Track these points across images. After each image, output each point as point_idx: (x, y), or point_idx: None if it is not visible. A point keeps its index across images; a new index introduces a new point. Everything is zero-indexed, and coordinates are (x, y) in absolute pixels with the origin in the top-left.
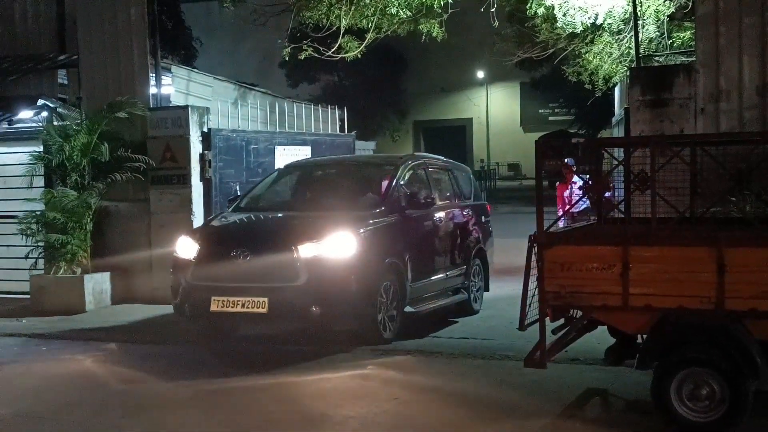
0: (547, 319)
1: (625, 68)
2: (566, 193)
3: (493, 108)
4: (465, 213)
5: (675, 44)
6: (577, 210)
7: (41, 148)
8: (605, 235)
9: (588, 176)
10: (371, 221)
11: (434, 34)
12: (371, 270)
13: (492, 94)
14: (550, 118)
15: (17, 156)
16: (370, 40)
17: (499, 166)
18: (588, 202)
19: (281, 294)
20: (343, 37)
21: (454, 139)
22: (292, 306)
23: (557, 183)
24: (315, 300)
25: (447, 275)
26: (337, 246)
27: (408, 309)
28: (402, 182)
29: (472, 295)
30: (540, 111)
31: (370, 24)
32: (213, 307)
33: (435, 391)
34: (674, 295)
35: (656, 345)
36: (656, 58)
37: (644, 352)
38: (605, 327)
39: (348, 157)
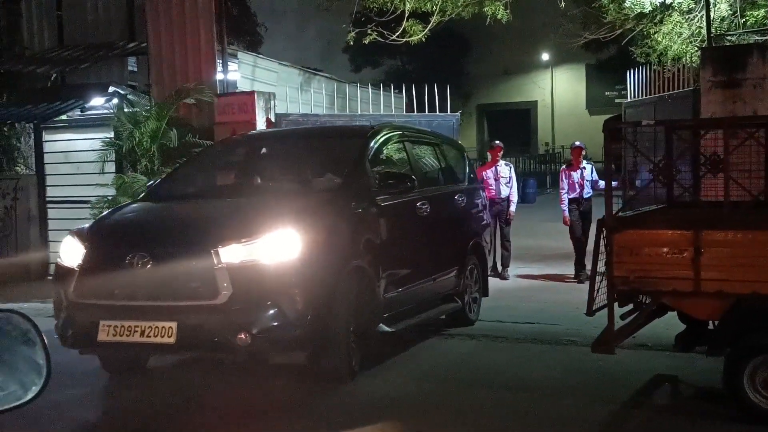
0: (616, 304)
1: (696, 48)
2: (577, 178)
3: (558, 90)
4: (457, 200)
5: (748, 23)
6: (586, 195)
7: (112, 135)
8: (676, 219)
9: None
10: (327, 211)
11: (499, 16)
12: (325, 278)
13: (557, 77)
14: (617, 100)
15: (89, 142)
16: (435, 24)
17: (564, 149)
18: (592, 189)
19: (195, 316)
20: (407, 20)
21: (518, 122)
22: (210, 333)
23: (563, 167)
24: (243, 324)
25: (434, 280)
26: (275, 247)
27: (382, 328)
28: (372, 159)
29: (467, 302)
30: (606, 93)
31: (434, 7)
32: (101, 336)
33: (500, 374)
34: (748, 280)
35: (729, 331)
36: (728, 38)
37: (716, 339)
38: (674, 312)
39: (307, 128)
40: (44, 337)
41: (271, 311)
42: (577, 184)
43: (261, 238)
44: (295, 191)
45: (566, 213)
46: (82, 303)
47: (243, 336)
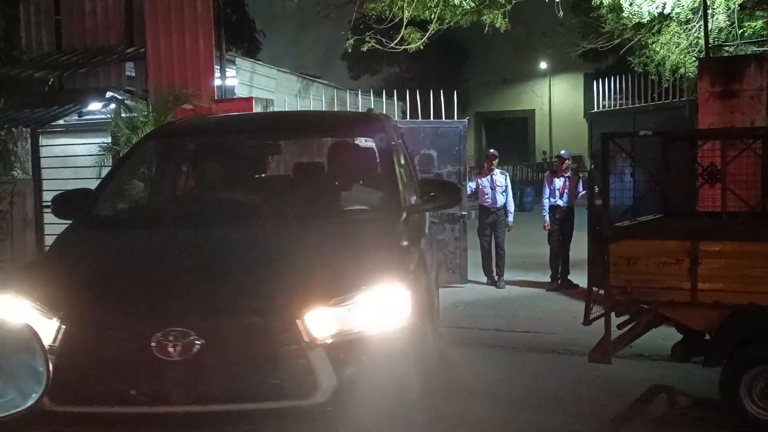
0: (612, 314)
1: (694, 59)
2: (558, 185)
3: (556, 99)
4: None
5: (746, 34)
6: (564, 204)
7: (109, 140)
8: (673, 229)
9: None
10: (411, 246)
11: (497, 25)
12: (434, 350)
13: (555, 85)
14: (617, 108)
15: (86, 147)
16: (433, 32)
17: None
18: (569, 197)
19: (279, 428)
20: (405, 28)
21: (516, 130)
22: None
23: (547, 173)
24: None
25: None
26: (379, 310)
27: None
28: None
29: None
30: (602, 102)
31: (432, 15)
32: None
33: (497, 383)
34: (745, 291)
35: (726, 342)
36: (726, 49)
37: (713, 350)
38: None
39: (292, 115)
40: (44, 345)
41: (399, 409)
42: (557, 191)
43: (358, 297)
44: (346, 213)
45: (546, 218)
46: (64, 413)
47: None
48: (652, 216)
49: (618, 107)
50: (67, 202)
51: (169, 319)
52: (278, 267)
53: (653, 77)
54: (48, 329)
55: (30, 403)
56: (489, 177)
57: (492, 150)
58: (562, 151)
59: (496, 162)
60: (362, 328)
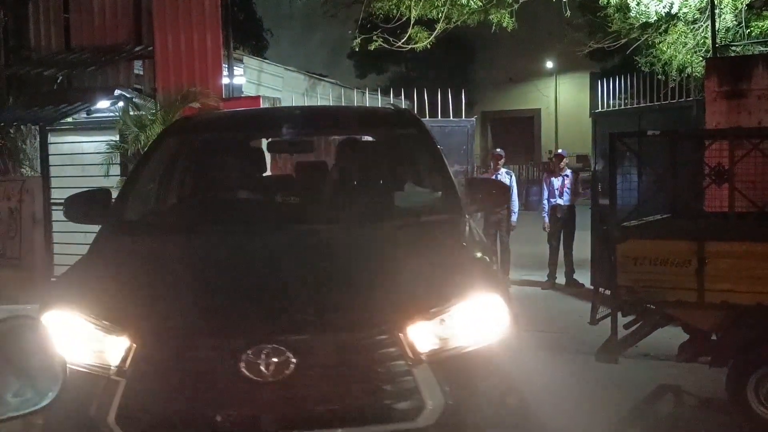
0: (619, 313)
1: (701, 59)
2: (557, 185)
3: (562, 99)
4: None
5: (753, 33)
6: (565, 203)
7: (117, 138)
8: (681, 229)
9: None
10: (489, 253)
11: (504, 24)
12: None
13: (561, 85)
14: (622, 108)
15: (95, 145)
16: (440, 31)
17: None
18: (570, 196)
19: None
20: (412, 27)
21: (522, 129)
22: None
23: (544, 174)
24: None
25: None
26: (478, 321)
27: None
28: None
29: None
30: (611, 101)
31: (440, 14)
32: None
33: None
34: (753, 291)
35: (733, 343)
36: (733, 48)
37: (720, 350)
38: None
39: (321, 109)
40: (59, 344)
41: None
42: (557, 191)
43: (456, 309)
44: (410, 216)
45: (546, 219)
46: None
47: None
48: (659, 216)
49: (624, 107)
50: (85, 204)
51: (261, 334)
52: (366, 276)
53: (660, 77)
54: (115, 349)
55: (46, 402)
56: (494, 176)
57: (498, 150)
58: (560, 150)
59: (502, 162)
60: (464, 341)
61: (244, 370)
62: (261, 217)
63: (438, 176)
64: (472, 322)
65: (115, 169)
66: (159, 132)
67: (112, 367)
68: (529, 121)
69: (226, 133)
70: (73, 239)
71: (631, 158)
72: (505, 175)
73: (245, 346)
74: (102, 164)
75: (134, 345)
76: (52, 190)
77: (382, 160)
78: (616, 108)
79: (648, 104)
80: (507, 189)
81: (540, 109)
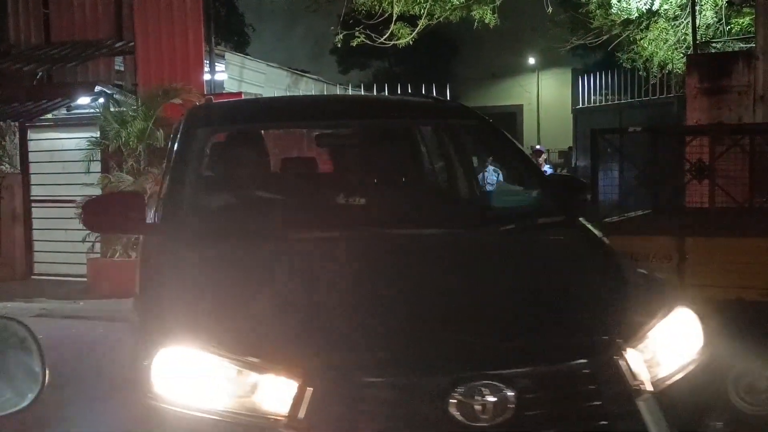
0: None
1: (681, 55)
2: None
3: (544, 94)
4: None
5: (733, 30)
6: None
7: (98, 134)
8: (662, 225)
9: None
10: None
11: (487, 20)
12: None
13: (543, 81)
14: (603, 104)
15: (75, 141)
16: (422, 27)
17: (549, 153)
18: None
19: None
20: (395, 23)
21: (504, 125)
22: None
23: None
24: None
25: None
26: (681, 340)
27: None
28: None
29: None
30: (592, 98)
31: (422, 10)
32: None
33: None
34: (733, 287)
35: (712, 337)
36: (714, 45)
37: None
38: None
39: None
40: (40, 344)
41: None
42: None
43: (660, 326)
44: (524, 219)
45: None
46: None
47: None
48: (640, 212)
49: (605, 103)
50: (116, 211)
51: (472, 368)
52: (546, 293)
53: (641, 73)
54: (277, 393)
55: (26, 403)
56: (481, 174)
57: (539, 146)
58: (538, 146)
59: (490, 159)
60: (675, 362)
61: (454, 413)
62: (348, 220)
63: (526, 171)
64: (677, 339)
65: (96, 166)
66: (183, 120)
67: (277, 416)
68: (512, 116)
69: (269, 124)
70: (54, 237)
71: (613, 154)
72: (492, 173)
73: (454, 383)
74: (83, 161)
75: (309, 388)
76: (32, 187)
77: (453, 154)
78: (598, 104)
79: (629, 100)
80: (586, 187)
81: (522, 105)
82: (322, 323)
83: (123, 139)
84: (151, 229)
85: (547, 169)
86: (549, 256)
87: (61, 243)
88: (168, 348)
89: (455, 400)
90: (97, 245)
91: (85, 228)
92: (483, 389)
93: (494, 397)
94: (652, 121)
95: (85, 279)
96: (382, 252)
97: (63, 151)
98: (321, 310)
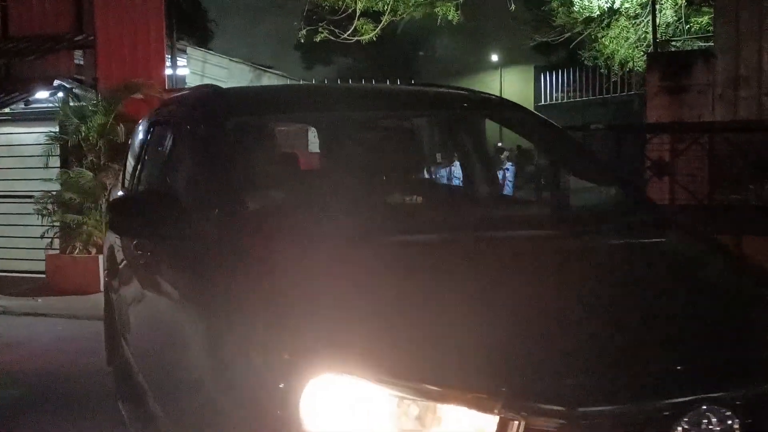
0: None
1: (642, 53)
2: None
3: (507, 92)
4: None
5: (693, 29)
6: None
7: (57, 129)
8: None
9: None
10: None
11: (450, 17)
12: None
13: (506, 78)
14: (565, 101)
15: (33, 136)
16: (386, 23)
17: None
18: (512, 189)
19: None
20: (358, 19)
21: None
22: None
23: None
24: None
25: None
26: None
27: None
28: None
29: None
30: (554, 95)
31: (385, 6)
32: None
33: None
34: None
35: None
36: (673, 43)
37: None
38: None
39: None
40: None
41: None
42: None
43: None
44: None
45: None
46: None
47: None
48: None
49: (568, 100)
50: (156, 214)
51: (698, 391)
52: (708, 301)
53: (603, 71)
54: (471, 430)
55: None
56: (448, 169)
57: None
58: (499, 143)
59: (505, 155)
60: None
61: None
62: (443, 222)
63: (595, 167)
64: None
65: (55, 161)
66: (211, 110)
67: None
68: None
69: (315, 115)
70: (11, 232)
71: None
72: (458, 168)
73: (681, 409)
74: (41, 156)
75: (514, 421)
76: None
77: (482, 148)
78: (560, 101)
79: (591, 98)
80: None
81: None
82: (505, 343)
83: (83, 134)
84: (210, 236)
85: (509, 166)
86: (686, 261)
87: (18, 239)
88: (320, 377)
89: (681, 428)
90: (56, 241)
91: (112, 231)
92: (710, 414)
93: (721, 422)
94: (614, 119)
95: (43, 275)
96: (523, 259)
97: (21, 146)
98: (494, 328)
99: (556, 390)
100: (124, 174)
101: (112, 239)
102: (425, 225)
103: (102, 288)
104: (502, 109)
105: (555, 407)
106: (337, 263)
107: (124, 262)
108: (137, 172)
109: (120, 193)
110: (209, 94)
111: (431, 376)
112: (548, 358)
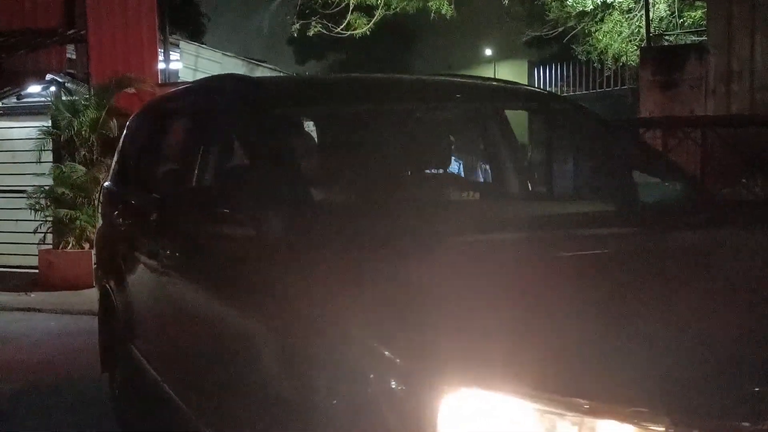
0: None
1: (635, 47)
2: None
3: None
4: None
5: (686, 23)
6: None
7: (50, 123)
8: None
9: None
10: None
11: (443, 11)
12: None
13: (499, 72)
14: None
15: (26, 131)
16: (379, 17)
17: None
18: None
19: None
20: (351, 13)
21: None
22: None
23: (480, 162)
24: None
25: None
26: None
27: None
28: None
29: None
30: (548, 89)
31: (379, 1)
32: None
33: None
34: None
35: None
36: (667, 38)
37: None
38: None
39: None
40: None
41: None
42: None
43: None
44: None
45: None
46: None
47: None
48: None
49: (561, 94)
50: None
51: None
52: None
53: (596, 65)
54: None
55: None
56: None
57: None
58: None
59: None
60: None
61: None
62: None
63: (658, 162)
64: None
65: (48, 156)
66: (256, 102)
67: None
68: None
69: (357, 106)
70: (4, 227)
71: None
72: (453, 163)
73: None
74: (34, 150)
75: None
76: None
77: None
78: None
79: (584, 92)
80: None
81: None
82: (655, 354)
83: (75, 128)
84: (289, 238)
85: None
86: None
87: (11, 234)
88: (457, 392)
89: None
90: (49, 236)
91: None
92: None
93: None
94: (607, 113)
95: (36, 270)
96: (655, 260)
97: (13, 140)
98: (640, 336)
99: (725, 406)
100: (123, 167)
101: (117, 234)
102: (533, 222)
103: (94, 283)
104: (554, 102)
105: (736, 422)
106: (459, 266)
107: (151, 260)
108: (149, 165)
109: (110, 184)
110: (248, 84)
111: (583, 389)
112: (705, 369)
